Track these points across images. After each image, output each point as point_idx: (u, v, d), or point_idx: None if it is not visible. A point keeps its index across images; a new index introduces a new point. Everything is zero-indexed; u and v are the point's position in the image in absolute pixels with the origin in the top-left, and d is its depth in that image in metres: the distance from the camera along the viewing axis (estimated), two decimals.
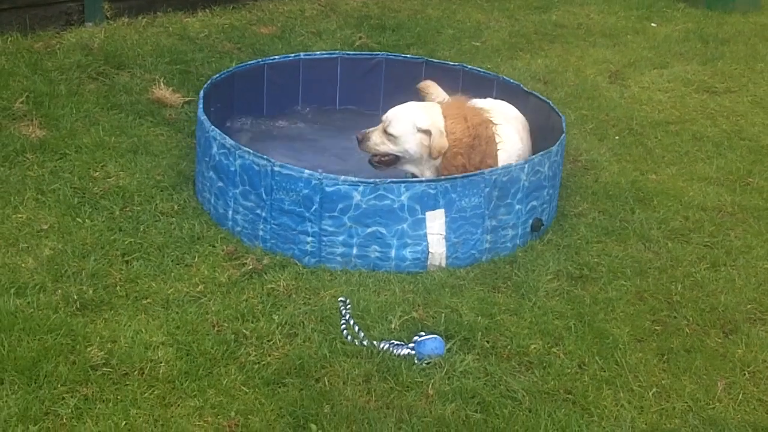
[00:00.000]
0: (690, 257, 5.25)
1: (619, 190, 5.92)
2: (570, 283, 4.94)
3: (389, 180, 4.84)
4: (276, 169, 4.88)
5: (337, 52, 6.70)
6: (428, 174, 5.24)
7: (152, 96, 6.53)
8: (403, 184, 4.82)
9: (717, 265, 5.21)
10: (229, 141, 5.07)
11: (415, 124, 5.17)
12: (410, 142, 5.18)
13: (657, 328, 4.64)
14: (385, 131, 5.23)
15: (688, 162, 6.42)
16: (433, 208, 4.88)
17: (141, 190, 5.44)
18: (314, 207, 4.85)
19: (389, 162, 5.29)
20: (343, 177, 4.82)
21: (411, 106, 5.32)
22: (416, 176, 5.24)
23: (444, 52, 8.09)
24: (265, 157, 4.92)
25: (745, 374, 4.37)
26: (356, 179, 4.82)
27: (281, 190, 4.90)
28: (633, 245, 5.33)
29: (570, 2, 9.75)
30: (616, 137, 6.72)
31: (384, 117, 5.30)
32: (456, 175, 4.93)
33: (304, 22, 8.41)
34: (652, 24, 9.31)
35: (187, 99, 6.61)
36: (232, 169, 5.06)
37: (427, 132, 5.15)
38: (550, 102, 6.00)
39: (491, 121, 5.37)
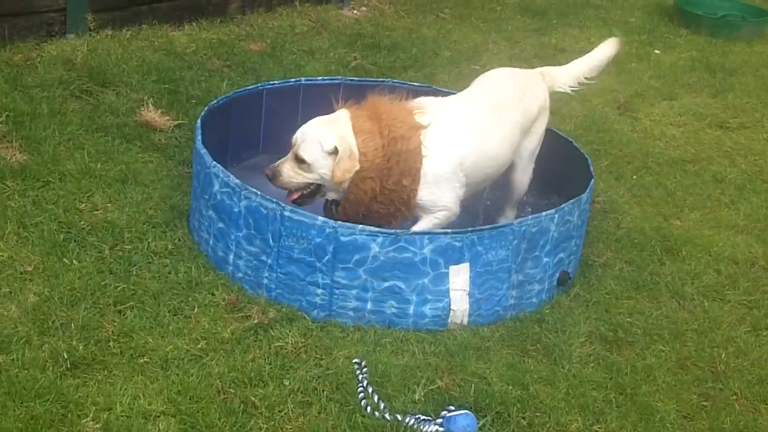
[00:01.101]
0: (728, 318, 4.89)
1: (644, 237, 5.55)
2: (604, 346, 4.55)
3: (411, 231, 4.42)
4: (286, 213, 4.44)
5: (340, 77, 6.26)
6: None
7: (140, 118, 6.05)
8: (426, 236, 4.40)
9: (758, 328, 4.85)
10: (233, 180, 4.62)
11: (321, 145, 4.56)
12: (324, 167, 4.58)
13: (705, 403, 4.27)
14: (296, 158, 4.62)
15: (712, 207, 6.07)
16: (458, 261, 4.46)
17: (131, 225, 4.98)
18: (327, 257, 4.42)
19: (312, 193, 4.70)
20: (360, 226, 4.39)
21: (315, 122, 4.68)
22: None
23: (443, 75, 7.68)
24: (274, 200, 4.48)
25: None
26: (375, 229, 4.39)
27: (291, 237, 4.46)
28: (666, 303, 4.95)
29: (569, 24, 9.38)
30: (634, 177, 6.35)
31: (293, 138, 4.68)
32: (483, 227, 4.51)
33: (294, 39, 7.93)
34: (656, 51, 8.96)
35: (177, 122, 6.14)
36: (236, 210, 4.61)
37: (335, 153, 4.55)
38: (573, 140, 5.62)
39: (419, 126, 4.67)
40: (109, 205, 5.13)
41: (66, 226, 4.89)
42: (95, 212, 5.05)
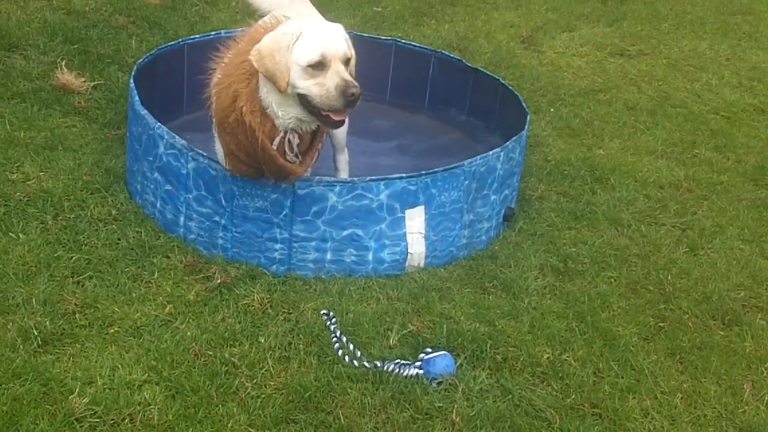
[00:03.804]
0: (666, 242, 5.08)
1: (572, 168, 5.70)
2: (557, 277, 4.69)
3: (368, 178, 4.45)
4: None
5: None
6: None
7: (56, 82, 5.88)
8: (382, 182, 4.44)
9: (695, 249, 5.06)
10: (179, 141, 4.56)
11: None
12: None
13: (661, 324, 4.44)
14: (347, 60, 4.08)
15: (630, 134, 6.27)
16: (413, 205, 4.52)
17: (69, 193, 4.86)
18: (284, 212, 4.42)
19: None
20: (317, 177, 4.40)
21: (332, 26, 4.23)
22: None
23: (347, 20, 7.64)
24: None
25: (763, 372, 4.22)
26: (331, 179, 4.41)
27: (245, 196, 4.44)
28: (606, 231, 5.12)
29: None
30: (551, 109, 6.50)
31: (329, 49, 3.99)
32: (436, 169, 4.57)
33: None
34: None
35: (93, 83, 6.00)
36: (184, 172, 4.56)
37: None
38: (501, 78, 5.71)
39: None
40: (42, 174, 5.00)
41: (2, 199, 4.75)
42: (29, 182, 4.92)
